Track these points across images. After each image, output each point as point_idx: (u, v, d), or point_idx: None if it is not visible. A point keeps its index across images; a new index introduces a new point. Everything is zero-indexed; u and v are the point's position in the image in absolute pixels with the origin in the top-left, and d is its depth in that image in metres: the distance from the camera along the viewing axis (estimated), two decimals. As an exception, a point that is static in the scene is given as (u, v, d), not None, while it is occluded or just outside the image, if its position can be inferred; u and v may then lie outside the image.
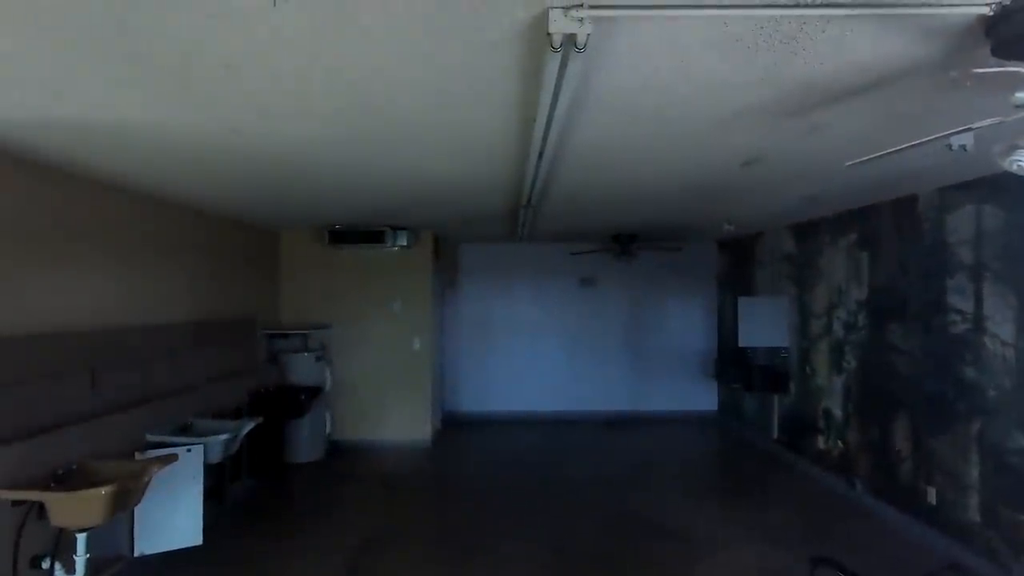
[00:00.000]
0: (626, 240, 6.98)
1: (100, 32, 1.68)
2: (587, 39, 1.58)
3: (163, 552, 3.70)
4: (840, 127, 2.64)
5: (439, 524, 4.63)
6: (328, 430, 6.44)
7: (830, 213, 5.37)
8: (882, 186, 4.13)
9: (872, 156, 2.19)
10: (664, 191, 4.25)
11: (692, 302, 8.39)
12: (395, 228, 6.21)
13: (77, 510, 2.72)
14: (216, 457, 3.93)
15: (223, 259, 5.28)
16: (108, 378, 3.57)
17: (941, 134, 1.86)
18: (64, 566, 2.86)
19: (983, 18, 1.54)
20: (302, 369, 6.21)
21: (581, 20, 1.52)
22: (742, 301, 6.83)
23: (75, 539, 2.80)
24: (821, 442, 5.54)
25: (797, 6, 1.54)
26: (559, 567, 3.84)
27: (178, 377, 4.33)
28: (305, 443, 6.11)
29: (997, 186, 3.61)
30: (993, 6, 1.48)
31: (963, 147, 1.83)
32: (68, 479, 2.93)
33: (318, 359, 6.33)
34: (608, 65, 1.93)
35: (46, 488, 2.79)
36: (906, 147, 2.01)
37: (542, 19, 1.57)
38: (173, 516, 3.71)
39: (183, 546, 3.74)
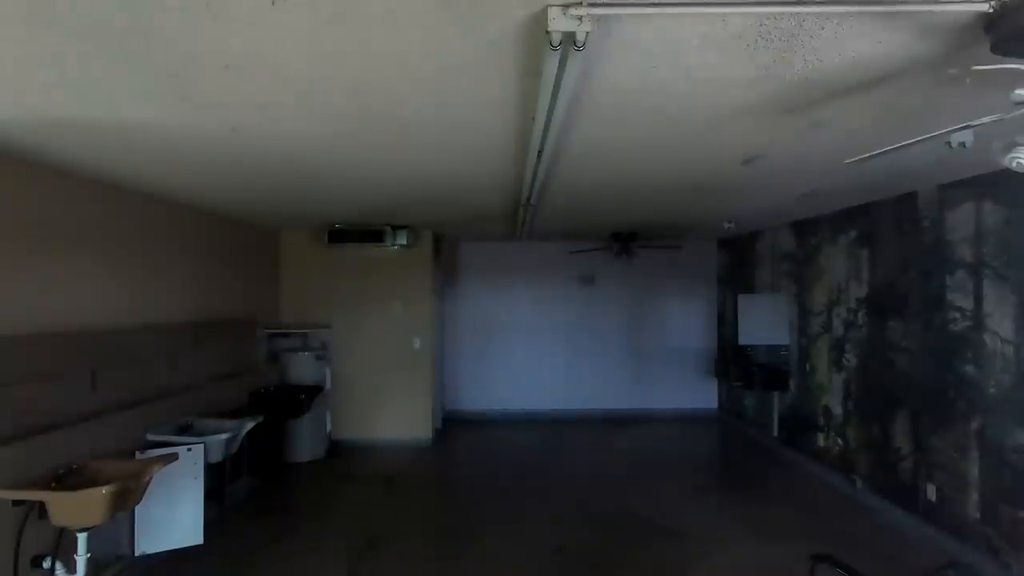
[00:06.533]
0: (626, 238, 6.98)
1: (101, 32, 1.68)
2: (586, 37, 1.58)
3: (164, 551, 3.71)
4: (840, 124, 2.64)
5: (439, 523, 4.63)
6: (328, 429, 6.45)
7: (830, 211, 5.37)
8: (882, 183, 4.13)
9: (872, 154, 2.19)
10: (664, 189, 4.25)
11: (692, 300, 8.39)
12: (395, 227, 6.20)
13: (78, 510, 2.72)
14: (216, 456, 3.94)
15: (223, 259, 5.28)
16: (108, 378, 3.57)
17: (941, 131, 1.86)
18: (65, 566, 2.86)
19: (982, 15, 1.54)
20: (302, 368, 6.21)
21: (580, 18, 1.51)
22: (742, 299, 6.83)
23: (76, 539, 2.80)
24: (821, 439, 5.54)
25: (796, 3, 1.54)
26: (559, 566, 3.84)
27: (178, 377, 4.34)
28: (305, 442, 6.11)
29: (997, 183, 3.61)
30: (992, 3, 1.47)
31: (963, 144, 1.83)
32: (69, 479, 2.93)
33: (318, 358, 6.33)
34: (607, 63, 1.92)
35: (47, 488, 2.79)
36: (906, 144, 2.01)
37: (541, 17, 1.56)
38: (174, 515, 3.71)
39: (184, 545, 3.74)
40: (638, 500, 5.02)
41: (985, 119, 1.72)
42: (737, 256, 7.70)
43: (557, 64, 1.76)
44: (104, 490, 2.69)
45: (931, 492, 4.10)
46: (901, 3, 1.53)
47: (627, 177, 3.80)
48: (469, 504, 5.01)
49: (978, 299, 3.76)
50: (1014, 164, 1.69)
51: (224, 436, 3.95)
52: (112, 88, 2.12)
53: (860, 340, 4.97)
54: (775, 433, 6.45)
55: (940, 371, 4.06)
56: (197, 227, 4.80)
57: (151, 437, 3.75)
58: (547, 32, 1.56)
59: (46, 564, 2.84)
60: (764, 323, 6.42)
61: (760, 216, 5.79)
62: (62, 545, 2.88)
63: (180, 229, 4.55)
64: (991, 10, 1.49)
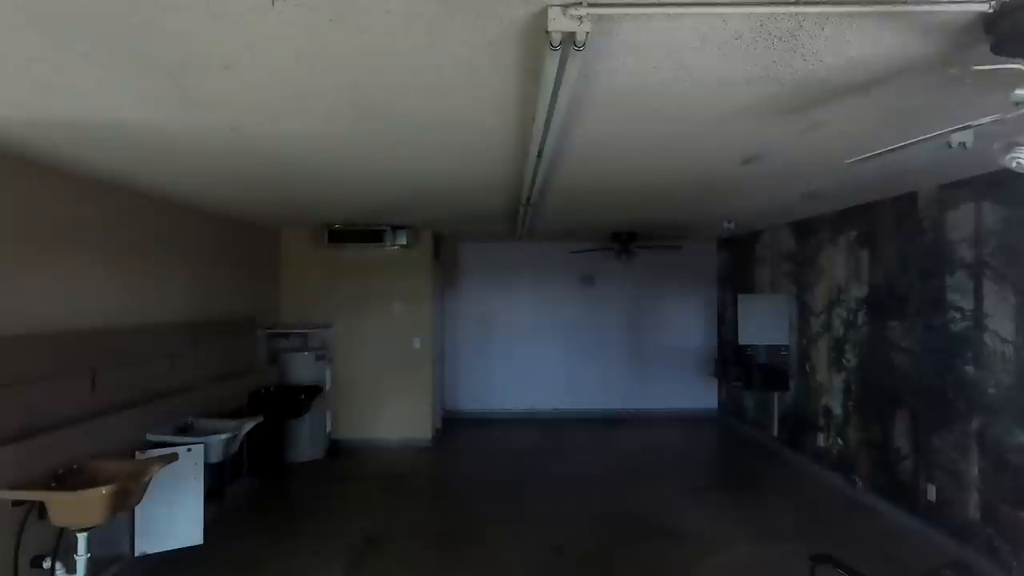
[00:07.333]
0: (626, 238, 6.98)
1: (100, 32, 1.68)
2: (586, 37, 1.57)
3: (164, 551, 3.71)
4: (840, 124, 2.63)
5: (439, 523, 4.63)
6: (328, 429, 6.45)
7: (830, 211, 5.37)
8: (882, 183, 4.13)
9: (872, 153, 2.19)
10: (664, 189, 4.25)
11: (692, 300, 8.39)
12: (395, 227, 6.20)
13: (78, 510, 2.72)
14: (216, 457, 3.94)
15: (223, 259, 5.28)
16: (108, 378, 3.57)
17: (941, 131, 1.86)
18: (65, 566, 2.86)
19: (983, 15, 1.54)
20: (302, 368, 6.21)
21: (580, 18, 1.51)
22: (742, 299, 6.83)
23: (76, 539, 2.80)
24: (821, 440, 5.54)
25: (796, 3, 1.53)
26: (559, 566, 3.84)
27: (178, 377, 4.33)
28: (305, 442, 6.12)
29: (997, 183, 3.61)
30: (992, 3, 1.47)
31: (963, 144, 1.83)
32: (69, 479, 2.93)
33: (318, 358, 6.33)
34: (607, 63, 1.92)
35: (47, 488, 2.79)
36: (906, 144, 2.01)
37: (541, 17, 1.56)
38: (173, 516, 3.71)
39: (183, 545, 3.74)
40: (638, 500, 5.02)
41: (985, 119, 1.72)
42: (737, 256, 7.70)
43: (557, 64, 1.76)
44: (104, 490, 2.68)
45: (931, 492, 4.10)
46: (901, 3, 1.53)
47: (627, 177, 3.80)
48: (469, 504, 5.01)
49: (978, 299, 3.76)
50: (1014, 164, 1.68)
51: (224, 436, 3.95)
52: (111, 87, 2.12)
53: (860, 340, 4.97)
54: (775, 433, 6.45)
55: (940, 371, 4.06)
56: (197, 227, 4.80)
57: (151, 437, 3.75)
58: (547, 32, 1.56)
59: (46, 564, 2.84)
60: (764, 323, 6.41)
61: (760, 216, 5.79)
62: (62, 545, 2.87)
63: (180, 229, 4.55)
64: (991, 10, 1.49)
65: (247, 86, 2.11)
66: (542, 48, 1.69)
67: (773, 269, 6.63)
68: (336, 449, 6.43)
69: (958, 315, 3.91)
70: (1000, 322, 3.58)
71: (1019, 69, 1.54)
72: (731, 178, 3.83)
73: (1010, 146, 1.68)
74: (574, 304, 8.35)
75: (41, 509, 2.74)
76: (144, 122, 2.52)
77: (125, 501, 2.87)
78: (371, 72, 1.99)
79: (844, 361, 5.20)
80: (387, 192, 4.30)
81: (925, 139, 1.92)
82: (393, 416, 6.75)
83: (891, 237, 4.60)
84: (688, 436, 7.43)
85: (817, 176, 3.81)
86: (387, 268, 6.73)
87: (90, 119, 2.46)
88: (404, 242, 6.28)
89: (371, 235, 6.15)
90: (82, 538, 2.80)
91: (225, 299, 5.28)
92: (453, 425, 7.70)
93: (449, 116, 2.47)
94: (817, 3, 1.53)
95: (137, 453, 3.61)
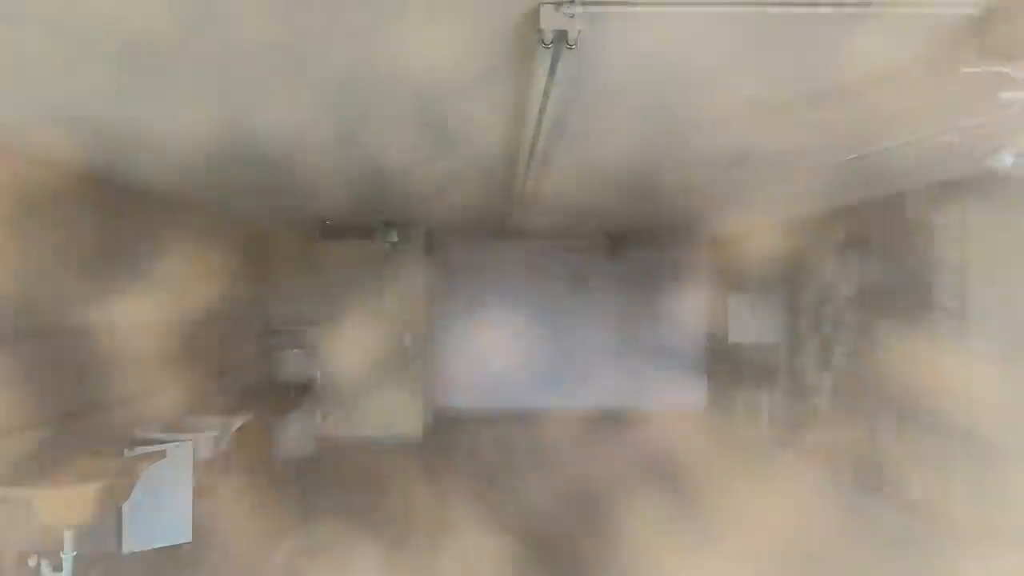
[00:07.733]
0: (618, 238, 7.00)
1: (97, 30, 1.66)
2: (578, 35, 1.57)
3: (152, 549, 3.68)
4: (834, 124, 2.64)
5: (428, 519, 4.63)
6: (318, 426, 6.43)
7: (821, 210, 5.40)
8: (872, 183, 4.16)
9: (867, 152, 2.20)
10: (656, 188, 4.26)
11: (683, 299, 8.41)
12: (387, 224, 6.18)
13: (65, 507, 2.70)
14: (205, 454, 3.92)
15: (215, 256, 5.24)
16: (98, 375, 3.53)
17: (936, 132, 1.88)
18: (51, 564, 2.83)
19: (971, 19, 1.56)
20: (293, 365, 6.19)
21: (573, 16, 1.51)
22: (733, 298, 6.87)
23: (63, 536, 2.78)
24: (810, 437, 5.58)
25: (791, 4, 1.54)
26: (548, 561, 3.85)
27: (168, 373, 4.30)
28: (295, 439, 6.08)
29: (984, 184, 3.65)
30: (981, 8, 1.49)
31: (1007, 163, 1.79)
32: (57, 476, 2.90)
33: (309, 355, 6.31)
34: (600, 61, 1.92)
35: (34, 485, 2.76)
36: (900, 145, 2.03)
37: (534, 15, 1.56)
38: (162, 513, 3.68)
39: (172, 543, 3.72)
40: (627, 497, 5.04)
41: (973, 121, 1.73)
42: (728, 255, 7.73)
43: (549, 62, 1.76)
44: (92, 488, 2.66)
45: (919, 491, 4.14)
46: (892, 5, 1.54)
47: (620, 176, 3.81)
48: (458, 500, 5.01)
49: (965, 299, 3.79)
50: (1002, 165, 1.70)
51: (213, 433, 3.93)
52: (110, 86, 2.10)
53: (849, 339, 5.01)
54: (764, 431, 6.49)
55: (928, 370, 4.09)
56: (187, 224, 4.76)
57: (140, 434, 3.72)
58: (539, 30, 1.56)
59: (32, 562, 2.82)
60: (754, 322, 6.46)
61: (752, 215, 5.82)
62: (49, 543, 2.85)
63: (170, 226, 4.51)
64: (980, 14, 1.51)
65: (241, 81, 2.10)
66: (535, 46, 1.68)
67: (764, 268, 6.66)
68: (326, 445, 6.40)
69: (945, 314, 3.95)
70: (986, 322, 3.62)
71: (1005, 73, 1.56)
72: (724, 177, 3.84)
73: (997, 147, 1.70)
74: (566, 302, 8.35)
75: (28, 506, 2.71)
76: (142, 120, 2.49)
77: (113, 498, 2.85)
78: (364, 68, 1.98)
79: (833, 359, 5.24)
80: (378, 188, 4.29)
81: (920, 139, 1.94)
82: (383, 413, 6.73)
83: (881, 236, 4.64)
84: (678, 433, 7.46)
85: (811, 175, 3.83)
86: (378, 265, 6.70)
87: (89, 117, 2.43)
88: (396, 239, 6.26)
89: (363, 232, 6.13)
90: (69, 535, 2.77)
91: (217, 296, 5.24)
92: (444, 422, 7.69)
93: (442, 112, 2.47)
94: (812, 4, 1.54)
95: (126, 450, 3.58)
